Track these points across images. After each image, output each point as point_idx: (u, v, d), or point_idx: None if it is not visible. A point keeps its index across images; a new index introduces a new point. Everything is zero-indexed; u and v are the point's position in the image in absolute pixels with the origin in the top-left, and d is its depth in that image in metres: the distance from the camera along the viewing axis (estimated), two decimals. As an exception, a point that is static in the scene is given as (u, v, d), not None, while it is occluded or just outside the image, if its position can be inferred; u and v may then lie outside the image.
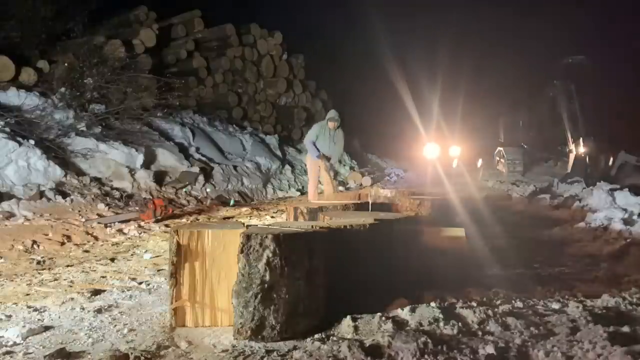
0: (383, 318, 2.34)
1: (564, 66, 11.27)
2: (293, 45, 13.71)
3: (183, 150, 9.42)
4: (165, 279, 3.29)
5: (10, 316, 2.66)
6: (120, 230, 5.45)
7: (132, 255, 4.40)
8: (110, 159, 7.73)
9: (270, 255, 2.19)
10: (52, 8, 8.99)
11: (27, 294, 3.10)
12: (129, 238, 5.21)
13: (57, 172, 6.63)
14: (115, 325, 2.50)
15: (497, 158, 14.61)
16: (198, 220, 6.50)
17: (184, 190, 8.06)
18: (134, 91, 8.89)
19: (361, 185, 11.93)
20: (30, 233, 4.88)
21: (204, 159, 9.67)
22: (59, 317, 2.64)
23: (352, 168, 13.42)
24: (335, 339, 2.21)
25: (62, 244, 4.78)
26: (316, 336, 2.25)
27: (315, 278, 2.34)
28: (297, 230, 2.42)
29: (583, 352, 1.93)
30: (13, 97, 7.52)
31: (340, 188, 11.42)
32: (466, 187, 10.25)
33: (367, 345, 2.07)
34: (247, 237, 2.21)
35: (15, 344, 2.28)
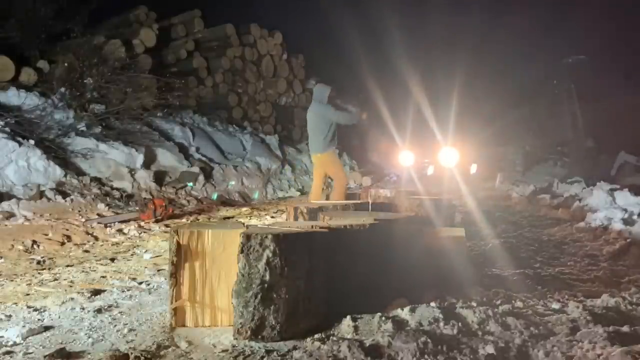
0: (383, 318, 2.34)
1: (564, 66, 11.26)
2: (293, 45, 13.71)
3: (183, 150, 9.43)
4: (165, 279, 3.29)
5: (10, 316, 2.66)
6: (120, 230, 5.45)
7: (132, 255, 4.41)
8: (110, 159, 7.74)
9: (270, 255, 2.19)
10: (52, 8, 8.99)
11: (27, 294, 3.10)
12: (129, 238, 5.21)
13: (57, 172, 6.63)
14: (115, 325, 2.50)
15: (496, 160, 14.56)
16: (198, 220, 6.50)
17: (187, 186, 8.09)
18: (134, 91, 8.90)
19: (361, 185, 11.93)
20: (30, 233, 4.88)
21: (204, 159, 9.68)
22: (59, 317, 2.64)
23: (352, 168, 13.42)
24: (335, 339, 2.20)
25: (62, 244, 4.78)
26: (316, 336, 2.24)
27: (315, 278, 2.34)
28: (297, 230, 2.42)
29: (583, 352, 1.93)
30: (13, 97, 7.52)
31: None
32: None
33: (367, 345, 2.07)
34: (247, 237, 2.21)
35: (15, 344, 2.28)
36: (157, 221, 6.01)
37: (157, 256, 4.30)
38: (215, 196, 8.28)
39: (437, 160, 11.39)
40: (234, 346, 2.18)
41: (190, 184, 8.23)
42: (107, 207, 6.32)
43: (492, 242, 4.67)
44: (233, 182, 9.10)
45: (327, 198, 6.43)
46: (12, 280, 3.45)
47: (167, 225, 5.85)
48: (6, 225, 5.15)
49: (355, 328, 2.30)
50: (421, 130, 11.34)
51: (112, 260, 4.16)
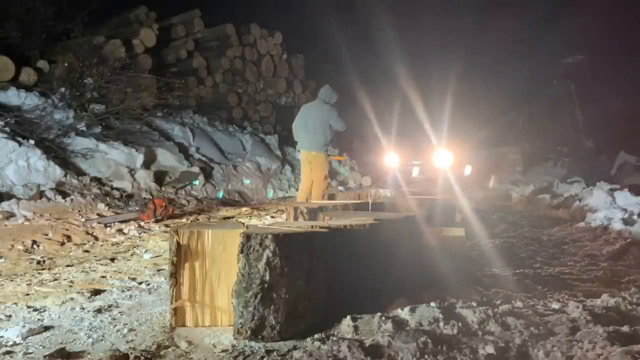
0: (383, 318, 2.34)
1: (564, 66, 11.27)
2: (293, 45, 13.71)
3: (183, 150, 9.43)
4: (165, 279, 3.29)
5: (10, 316, 2.66)
6: (120, 230, 5.45)
7: (132, 255, 4.40)
8: (110, 159, 7.74)
9: (270, 255, 2.19)
10: (52, 8, 8.99)
11: (27, 294, 3.10)
12: (129, 238, 5.21)
13: (57, 172, 6.63)
14: (115, 325, 2.50)
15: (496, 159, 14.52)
16: (198, 220, 6.50)
17: (188, 186, 8.10)
18: (134, 91, 8.90)
19: (361, 185, 11.93)
20: (30, 233, 4.88)
21: (204, 159, 9.68)
22: (59, 317, 2.64)
23: (352, 168, 13.42)
24: (335, 339, 2.20)
25: (62, 244, 4.78)
26: (316, 336, 2.25)
27: (315, 278, 2.34)
28: (297, 230, 2.42)
29: (583, 352, 1.93)
30: (13, 97, 7.52)
31: (341, 188, 11.40)
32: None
33: (367, 345, 2.07)
34: (247, 237, 2.21)
35: (15, 344, 2.28)
36: (157, 221, 6.01)
37: (157, 256, 4.30)
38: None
39: (430, 162, 11.23)
40: (234, 346, 2.19)
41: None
42: (107, 207, 6.32)
43: (492, 242, 4.67)
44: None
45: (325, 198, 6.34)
46: (12, 280, 3.44)
47: (167, 225, 5.85)
48: (6, 225, 5.15)
49: (355, 328, 2.30)
50: (414, 131, 11.19)
51: (112, 260, 4.16)
